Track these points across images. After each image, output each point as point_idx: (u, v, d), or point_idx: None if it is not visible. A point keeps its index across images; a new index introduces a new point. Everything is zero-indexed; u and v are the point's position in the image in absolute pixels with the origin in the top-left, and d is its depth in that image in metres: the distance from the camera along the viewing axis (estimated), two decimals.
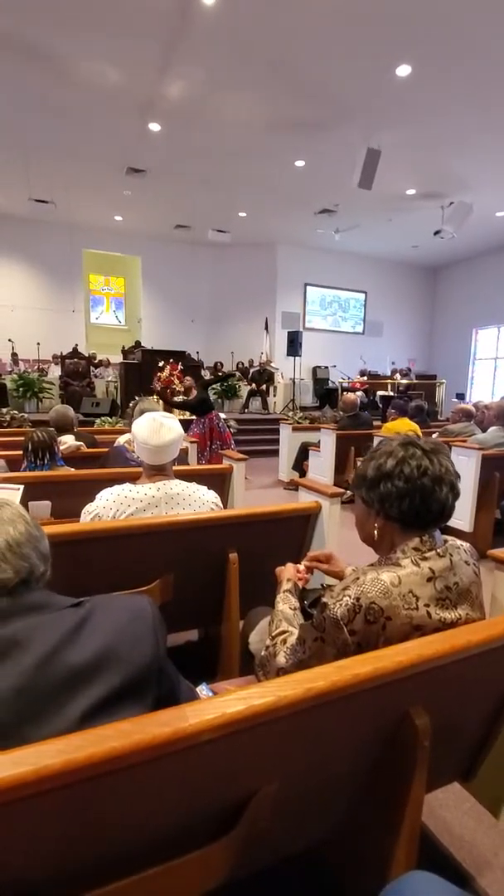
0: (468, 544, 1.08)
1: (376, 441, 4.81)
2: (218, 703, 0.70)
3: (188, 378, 6.78)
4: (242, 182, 8.97)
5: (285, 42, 5.23)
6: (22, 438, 3.01)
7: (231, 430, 6.04)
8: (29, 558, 0.76)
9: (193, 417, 5.62)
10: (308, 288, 13.36)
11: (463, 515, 3.77)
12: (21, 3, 4.81)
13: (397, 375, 11.69)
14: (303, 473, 5.79)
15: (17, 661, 0.66)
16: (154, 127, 7.13)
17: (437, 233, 9.41)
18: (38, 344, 11.08)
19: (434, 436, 4.96)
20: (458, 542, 1.06)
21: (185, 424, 3.63)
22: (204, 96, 6.32)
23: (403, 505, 0.98)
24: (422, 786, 0.93)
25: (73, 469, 2.63)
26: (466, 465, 3.68)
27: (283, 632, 1.11)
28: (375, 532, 1.04)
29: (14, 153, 7.98)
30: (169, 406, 6.24)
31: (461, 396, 12.45)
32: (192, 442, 4.39)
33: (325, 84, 5.95)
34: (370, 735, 0.92)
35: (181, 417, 5.40)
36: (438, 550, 0.99)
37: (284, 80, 5.91)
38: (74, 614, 0.74)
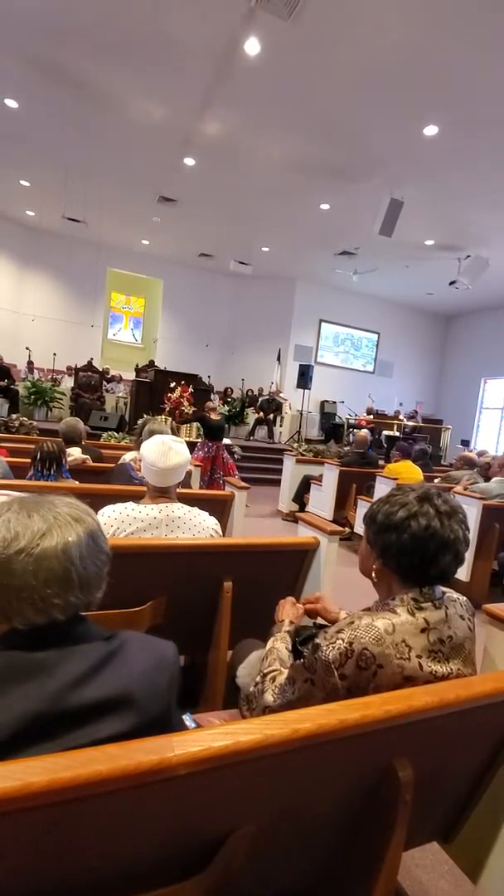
0: (465, 598, 1.08)
1: (378, 481, 4.81)
2: (205, 736, 0.70)
3: (209, 403, 6.80)
4: (268, 219, 9.30)
5: (321, 95, 5.53)
6: (28, 445, 3.06)
7: (236, 455, 6.06)
8: (87, 598, 0.76)
9: (198, 440, 5.66)
10: (323, 324, 13.63)
11: None
12: (81, 43, 5.16)
13: (402, 417, 11.76)
14: (302, 506, 5.77)
15: (41, 684, 0.67)
16: (189, 161, 7.46)
17: (452, 283, 9.67)
18: (55, 354, 11.29)
19: (436, 481, 4.97)
20: (455, 594, 1.07)
21: (191, 447, 3.66)
22: (239, 137, 6.64)
23: (403, 561, 0.98)
24: (400, 841, 0.91)
25: (77, 482, 2.65)
26: (467, 514, 3.67)
27: (275, 671, 1.11)
28: (374, 574, 1.05)
29: (55, 173, 8.37)
30: (184, 422, 6.29)
31: (466, 443, 12.48)
32: (196, 465, 4.41)
33: (356, 137, 6.25)
34: (352, 783, 0.91)
35: (187, 439, 5.45)
36: (435, 602, 0.99)
37: (317, 130, 6.22)
38: (103, 648, 0.74)
